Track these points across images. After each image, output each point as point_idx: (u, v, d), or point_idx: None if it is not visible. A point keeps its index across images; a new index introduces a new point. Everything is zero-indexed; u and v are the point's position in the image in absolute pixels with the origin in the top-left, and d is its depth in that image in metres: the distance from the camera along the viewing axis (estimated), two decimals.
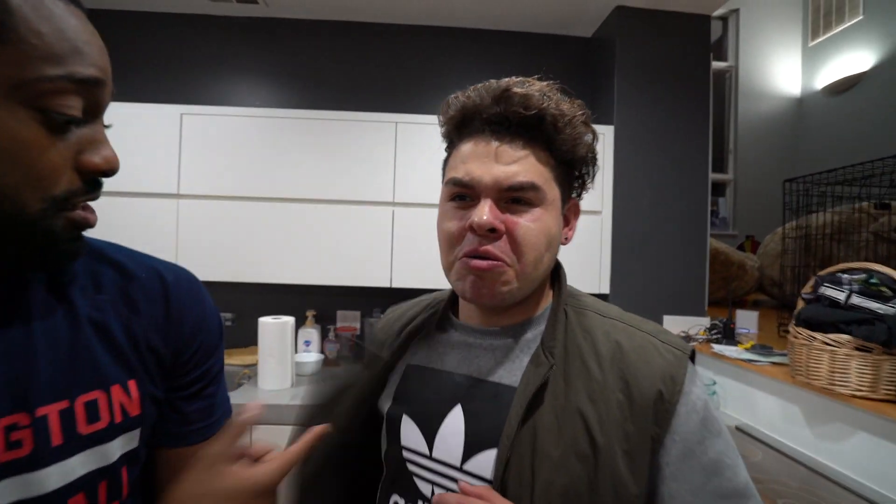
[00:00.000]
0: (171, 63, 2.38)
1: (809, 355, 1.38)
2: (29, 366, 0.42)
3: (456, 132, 0.61)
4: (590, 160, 0.62)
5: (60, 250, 0.43)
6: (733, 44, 4.18)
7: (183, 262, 0.59)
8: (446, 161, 0.63)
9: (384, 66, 2.46)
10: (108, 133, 0.45)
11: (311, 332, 2.25)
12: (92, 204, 0.46)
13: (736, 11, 4.14)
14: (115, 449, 0.46)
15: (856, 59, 3.62)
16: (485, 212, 0.54)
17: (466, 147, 0.58)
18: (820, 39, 3.98)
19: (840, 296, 1.34)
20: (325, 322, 2.37)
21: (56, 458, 0.42)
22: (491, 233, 0.55)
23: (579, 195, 0.65)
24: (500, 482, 0.54)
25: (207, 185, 2.02)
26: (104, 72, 0.43)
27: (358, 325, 2.39)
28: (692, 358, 0.59)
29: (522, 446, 0.54)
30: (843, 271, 1.41)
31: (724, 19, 4.21)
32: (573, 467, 0.53)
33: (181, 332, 0.54)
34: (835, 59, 3.82)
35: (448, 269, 0.60)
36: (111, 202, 1.94)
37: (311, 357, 2.12)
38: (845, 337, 1.30)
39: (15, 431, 0.39)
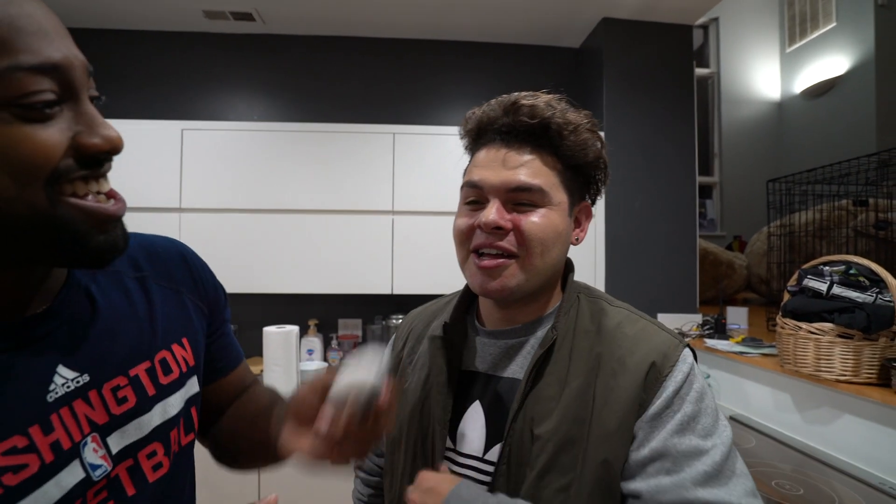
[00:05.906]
0: (170, 80, 2.42)
1: (796, 344, 1.45)
2: (116, 341, 0.52)
3: (473, 143, 0.69)
4: (600, 165, 0.66)
5: (91, 246, 0.42)
6: (714, 51, 4.32)
7: None
8: (465, 170, 0.69)
9: (380, 79, 2.53)
10: None
11: (314, 341, 2.28)
12: None
13: (716, 20, 4.28)
14: (188, 391, 0.58)
15: (831, 63, 3.76)
16: (492, 211, 0.60)
17: (480, 154, 0.65)
18: (797, 45, 4.12)
19: (822, 287, 1.41)
20: (327, 330, 2.41)
21: (154, 402, 0.53)
22: (497, 230, 0.60)
23: (592, 200, 0.70)
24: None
25: (208, 198, 2.06)
26: (60, 50, 0.39)
27: (360, 333, 2.43)
28: (694, 356, 0.62)
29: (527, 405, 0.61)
30: (825, 264, 1.49)
31: (704, 27, 4.35)
32: (552, 388, 0.60)
33: (206, 288, 0.65)
34: (811, 64, 3.96)
35: (462, 263, 0.66)
36: None
37: (315, 365, 2.15)
38: (828, 325, 1.37)
39: (120, 390, 0.50)
